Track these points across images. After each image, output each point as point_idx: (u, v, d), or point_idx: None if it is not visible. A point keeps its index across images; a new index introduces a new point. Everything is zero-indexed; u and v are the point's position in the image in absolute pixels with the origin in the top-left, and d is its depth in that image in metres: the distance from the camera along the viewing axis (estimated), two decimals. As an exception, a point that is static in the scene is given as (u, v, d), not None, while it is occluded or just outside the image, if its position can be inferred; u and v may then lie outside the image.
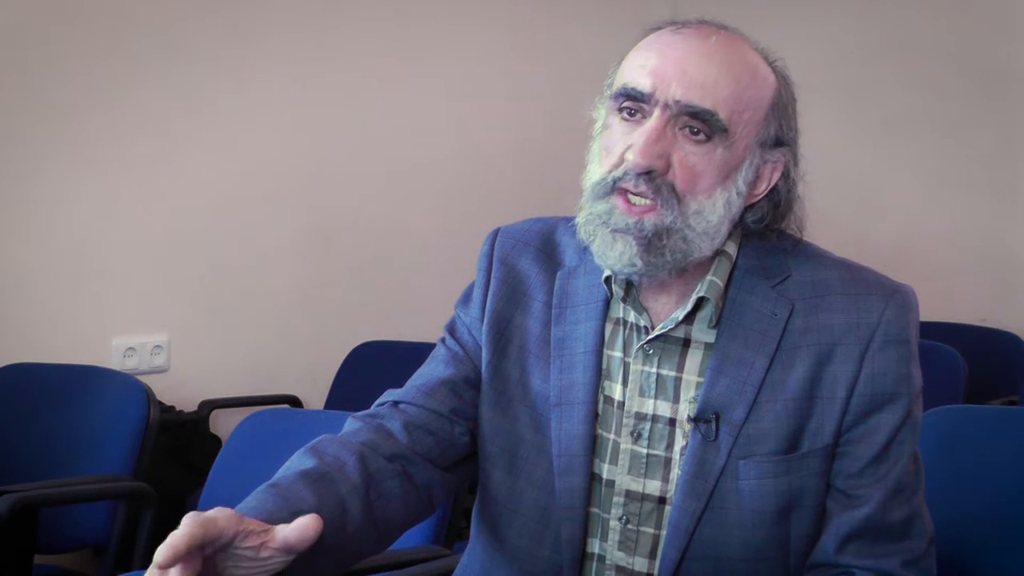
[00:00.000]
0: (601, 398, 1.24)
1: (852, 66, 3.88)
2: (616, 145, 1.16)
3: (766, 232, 1.24)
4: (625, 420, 1.22)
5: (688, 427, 1.19)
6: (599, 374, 1.24)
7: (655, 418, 1.22)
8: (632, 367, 1.23)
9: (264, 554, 0.97)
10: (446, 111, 3.64)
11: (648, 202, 1.14)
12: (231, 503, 1.08)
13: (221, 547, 0.96)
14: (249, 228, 3.24)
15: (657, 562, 1.20)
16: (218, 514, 0.95)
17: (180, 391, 3.07)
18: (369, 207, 3.49)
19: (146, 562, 1.04)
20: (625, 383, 1.23)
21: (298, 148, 3.33)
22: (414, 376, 1.31)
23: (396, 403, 1.27)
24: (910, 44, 3.77)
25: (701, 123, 1.13)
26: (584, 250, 1.25)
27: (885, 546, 1.18)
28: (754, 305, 1.20)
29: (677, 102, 1.12)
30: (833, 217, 3.18)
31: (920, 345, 1.22)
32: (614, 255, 1.16)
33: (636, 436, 1.22)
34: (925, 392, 1.22)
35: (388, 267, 3.53)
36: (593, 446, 1.23)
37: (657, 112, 1.13)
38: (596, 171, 1.18)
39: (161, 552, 0.91)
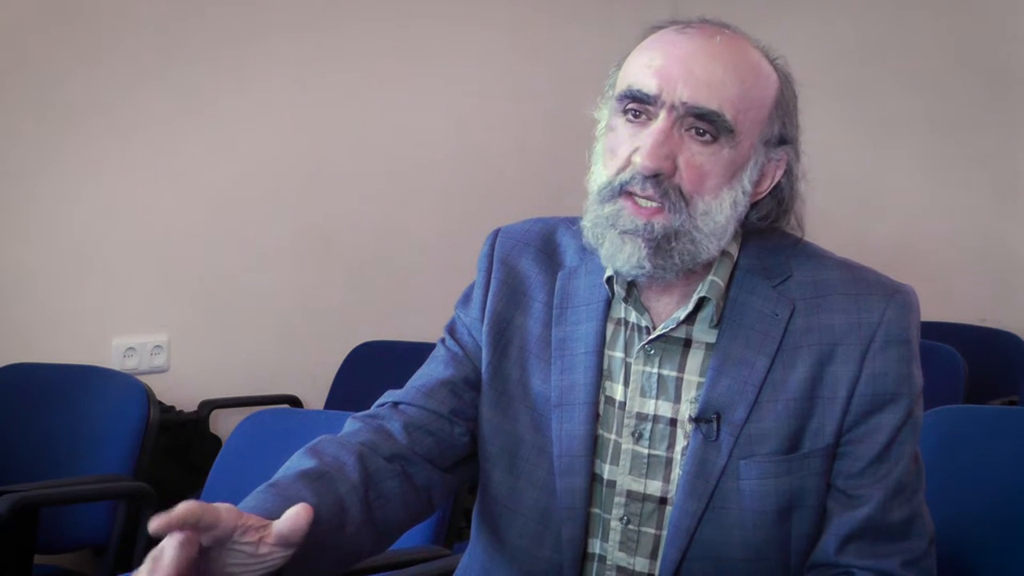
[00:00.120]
0: (602, 399, 1.24)
1: (852, 66, 3.88)
2: (621, 147, 1.16)
3: (767, 231, 1.24)
4: (626, 420, 1.22)
5: (689, 427, 1.19)
6: (600, 374, 1.24)
7: (656, 418, 1.22)
8: (633, 367, 1.23)
9: (263, 550, 0.97)
10: (446, 111, 3.64)
11: (655, 204, 1.13)
12: (231, 503, 1.08)
13: (220, 540, 0.96)
14: (249, 228, 3.24)
15: (658, 562, 1.20)
16: (219, 504, 0.95)
17: (180, 391, 3.07)
18: (369, 207, 3.49)
19: (146, 562, 1.04)
20: (626, 383, 1.23)
21: (298, 148, 3.33)
22: (414, 377, 1.31)
23: (396, 404, 1.27)
24: (910, 44, 3.77)
25: (708, 124, 1.13)
26: (585, 250, 1.25)
27: (885, 546, 1.18)
28: (755, 305, 1.20)
29: (684, 103, 1.12)
30: (833, 217, 3.18)
31: (920, 345, 1.22)
32: (623, 257, 1.15)
33: (637, 436, 1.22)
34: (925, 392, 1.22)
35: (388, 267, 3.53)
36: (594, 447, 1.23)
37: (663, 114, 1.13)
38: (601, 173, 1.17)
39: (155, 520, 0.90)
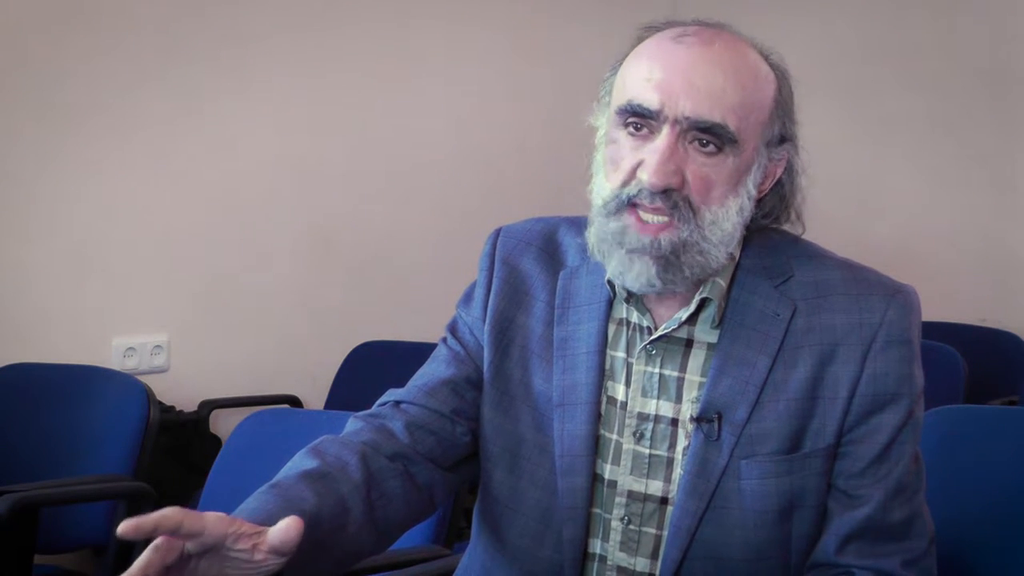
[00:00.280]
0: (604, 398, 1.24)
1: (852, 65, 3.88)
2: (624, 160, 1.15)
3: (768, 231, 1.24)
4: (627, 420, 1.22)
5: (690, 427, 1.19)
6: (602, 374, 1.24)
7: (657, 418, 1.22)
8: (635, 367, 1.23)
9: (258, 556, 0.97)
10: (446, 111, 3.64)
11: (664, 219, 1.13)
12: (231, 503, 1.08)
13: (211, 547, 0.96)
14: (249, 228, 3.24)
15: (659, 562, 1.20)
16: (208, 513, 0.95)
17: (180, 391, 3.07)
18: (369, 207, 3.49)
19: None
20: (628, 383, 1.23)
21: (298, 148, 3.33)
22: (415, 376, 1.31)
23: (398, 403, 1.27)
24: (910, 44, 3.77)
25: (711, 136, 1.12)
26: (586, 250, 1.25)
27: (885, 546, 1.18)
28: (757, 305, 1.20)
29: (687, 118, 1.11)
30: (833, 217, 3.17)
31: (920, 345, 1.22)
32: (632, 276, 1.15)
33: (638, 436, 1.22)
34: (925, 392, 1.22)
35: (388, 267, 3.53)
36: (595, 446, 1.23)
37: (666, 129, 1.12)
38: (605, 186, 1.17)
39: (126, 523, 0.89)
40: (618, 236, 1.15)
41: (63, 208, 2.91)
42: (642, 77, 1.14)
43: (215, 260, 3.17)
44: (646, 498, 1.21)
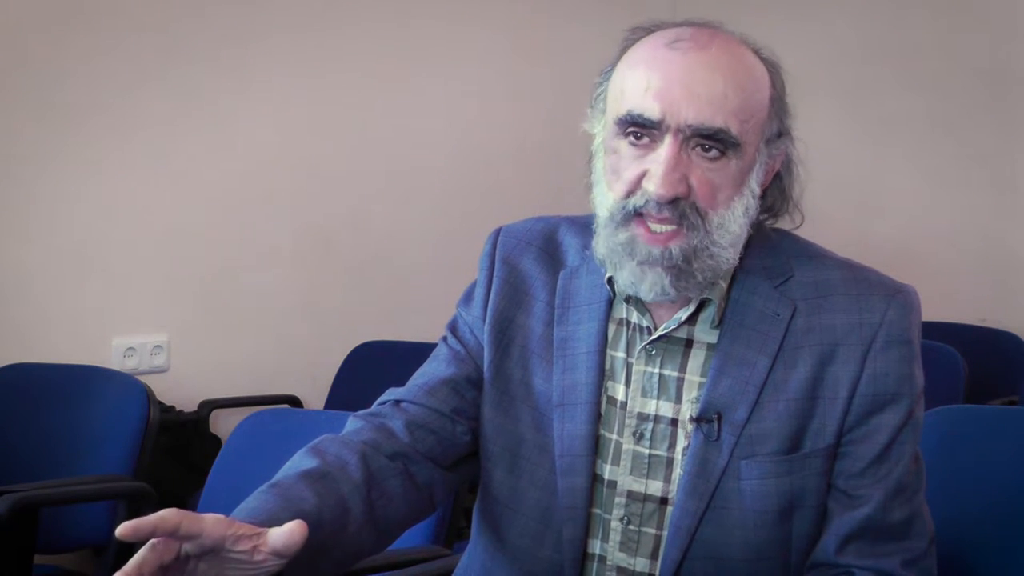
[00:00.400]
0: (604, 399, 1.24)
1: (852, 66, 3.88)
2: (627, 170, 1.14)
3: (767, 231, 1.24)
4: (627, 420, 1.22)
5: (690, 427, 1.19)
6: (602, 374, 1.24)
7: (657, 418, 1.22)
8: (635, 367, 1.23)
9: (258, 557, 0.97)
10: (446, 111, 3.64)
11: (672, 227, 1.13)
12: (231, 503, 1.08)
13: (209, 549, 0.95)
14: (249, 228, 3.24)
15: (658, 563, 1.20)
16: (207, 515, 0.95)
17: (180, 391, 3.07)
18: (369, 207, 3.49)
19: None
20: (628, 383, 1.23)
21: (298, 148, 3.33)
22: (416, 375, 1.31)
23: (398, 402, 1.27)
24: (910, 44, 3.77)
25: (715, 141, 1.11)
26: (586, 250, 1.24)
27: (885, 546, 1.18)
28: (756, 305, 1.20)
29: (690, 126, 1.11)
30: (833, 217, 3.18)
31: (921, 345, 1.22)
32: (646, 287, 1.15)
33: (638, 436, 1.22)
34: (925, 392, 1.22)
35: (388, 267, 3.53)
36: (595, 447, 1.23)
37: (669, 138, 1.11)
38: (608, 196, 1.16)
39: (124, 526, 0.89)
40: (628, 248, 1.14)
41: (63, 208, 2.91)
42: (640, 87, 1.13)
43: (215, 260, 3.17)
44: (646, 498, 1.21)
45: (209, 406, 3.09)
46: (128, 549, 2.29)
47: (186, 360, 3.13)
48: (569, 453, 1.23)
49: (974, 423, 1.63)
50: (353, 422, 1.25)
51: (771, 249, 1.24)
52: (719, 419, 1.18)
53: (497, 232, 1.34)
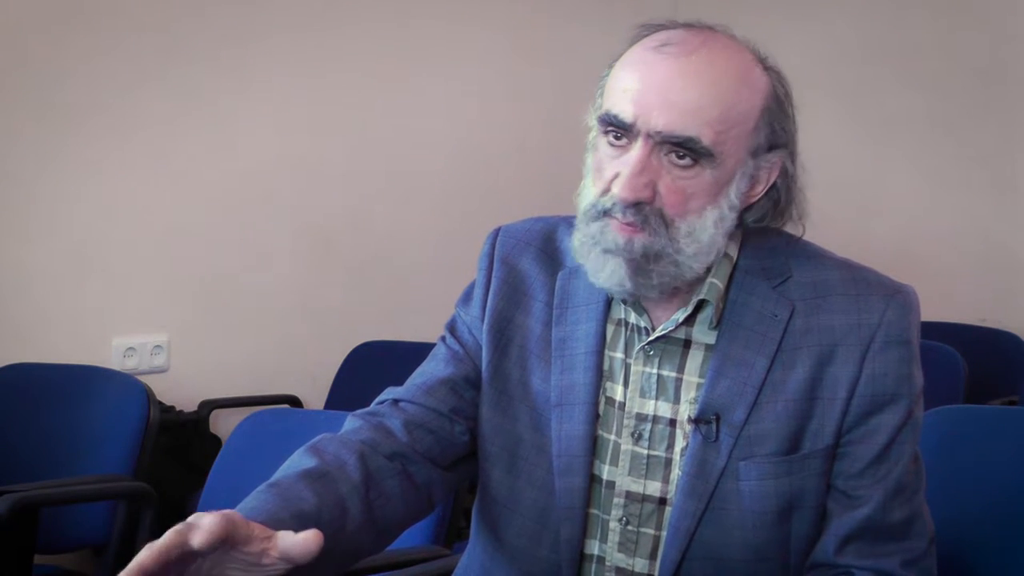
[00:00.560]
0: (603, 399, 1.24)
1: (852, 66, 3.88)
2: (605, 169, 1.15)
3: (767, 231, 1.24)
4: (626, 421, 1.22)
5: (688, 428, 1.19)
6: (600, 375, 1.24)
7: (656, 419, 1.22)
8: (633, 368, 1.23)
9: (266, 561, 0.97)
10: (446, 111, 3.64)
11: (639, 226, 1.13)
12: (231, 503, 1.07)
13: (218, 548, 0.95)
14: (249, 228, 3.24)
15: (657, 563, 1.20)
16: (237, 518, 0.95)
17: (180, 391, 3.07)
18: (369, 207, 3.49)
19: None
20: (626, 384, 1.23)
21: (298, 148, 3.33)
22: (414, 374, 1.31)
23: (396, 401, 1.27)
24: (910, 44, 3.77)
25: (686, 149, 1.11)
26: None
27: (885, 546, 1.18)
28: (754, 306, 1.20)
29: (659, 132, 1.11)
30: (833, 217, 3.17)
31: (920, 345, 1.22)
32: (604, 275, 1.16)
33: (637, 437, 1.22)
34: (925, 392, 1.22)
35: (388, 267, 3.53)
36: (593, 447, 1.23)
37: (640, 142, 1.12)
38: (589, 192, 1.18)
39: (197, 536, 0.89)
40: (596, 236, 1.15)
41: (63, 208, 2.91)
42: (621, 87, 1.14)
43: (215, 260, 3.17)
44: (644, 499, 1.21)
45: (209, 406, 3.09)
46: (129, 549, 2.30)
47: (186, 360, 3.13)
48: (567, 453, 1.23)
49: (974, 423, 1.63)
50: (351, 421, 1.25)
51: (770, 250, 1.24)
52: (717, 420, 1.18)
53: (496, 232, 1.34)
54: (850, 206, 3.78)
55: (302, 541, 0.95)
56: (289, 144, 3.30)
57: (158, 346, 3.08)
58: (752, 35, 1.21)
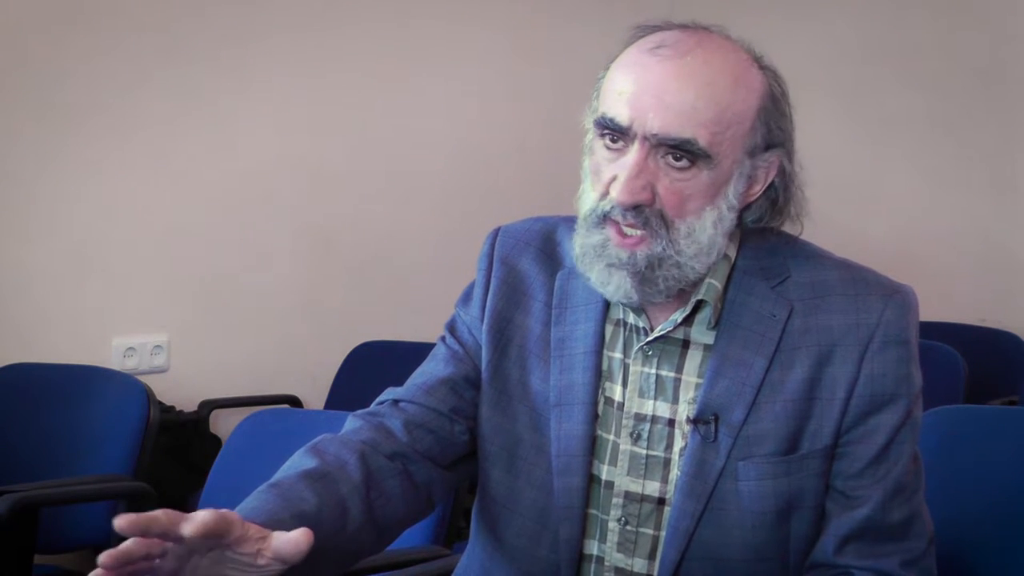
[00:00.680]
0: (602, 399, 1.24)
1: (852, 65, 3.88)
2: (603, 172, 1.16)
3: (765, 231, 1.24)
4: (624, 421, 1.22)
5: (687, 428, 1.19)
6: (599, 375, 1.24)
7: (654, 419, 1.22)
8: (631, 368, 1.23)
9: (261, 561, 0.97)
10: (446, 111, 3.64)
11: (639, 232, 1.14)
12: (231, 503, 1.08)
13: (213, 547, 0.96)
14: (249, 228, 3.24)
15: (656, 563, 1.20)
16: (228, 513, 0.95)
17: (180, 391, 3.07)
18: (369, 207, 3.49)
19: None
20: (625, 384, 1.23)
21: (298, 148, 3.33)
22: (414, 374, 1.31)
23: (396, 401, 1.27)
24: (910, 44, 3.77)
25: (682, 151, 1.11)
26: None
27: (884, 546, 1.18)
28: (753, 306, 1.20)
29: (655, 135, 1.11)
30: (832, 217, 3.17)
31: (920, 345, 1.22)
32: (611, 288, 1.16)
33: (635, 437, 1.22)
34: (925, 392, 1.22)
35: (388, 267, 3.53)
36: (592, 447, 1.23)
37: (636, 145, 1.12)
38: (588, 196, 1.18)
39: (188, 526, 0.90)
40: (599, 249, 1.16)
41: (63, 208, 2.91)
42: (616, 90, 1.14)
43: (215, 260, 3.17)
44: (643, 499, 1.21)
45: (209, 406, 3.09)
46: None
47: (186, 360, 3.13)
48: (566, 453, 1.23)
49: (974, 423, 1.63)
50: (352, 422, 1.25)
51: (768, 250, 1.24)
52: (716, 420, 1.18)
53: (495, 232, 1.34)
54: (849, 206, 3.78)
55: (293, 540, 0.96)
56: (289, 144, 3.30)
57: (158, 346, 3.08)
58: (751, 35, 1.21)
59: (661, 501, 1.21)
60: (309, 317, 3.36)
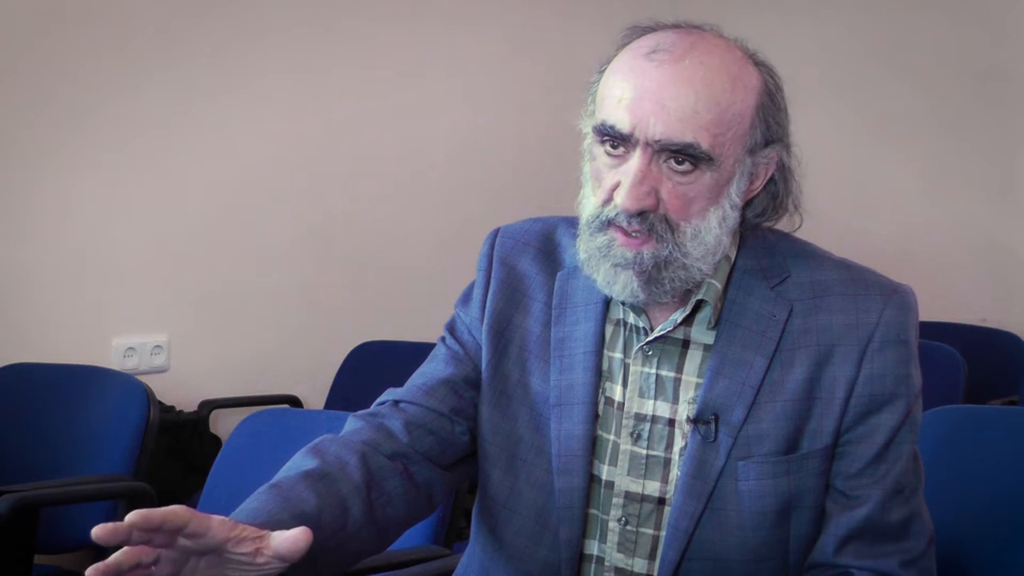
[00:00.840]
0: (602, 399, 1.24)
1: (851, 65, 3.88)
2: (605, 178, 1.15)
3: (765, 231, 1.24)
4: (625, 421, 1.22)
5: (687, 428, 1.19)
6: (599, 375, 1.24)
7: (654, 419, 1.22)
8: (631, 368, 1.23)
9: (260, 560, 0.97)
10: (447, 111, 3.65)
11: (645, 236, 1.14)
12: (231, 503, 1.08)
13: (210, 549, 0.96)
14: (250, 228, 3.24)
15: (656, 563, 1.20)
16: (214, 516, 0.95)
17: (180, 391, 3.07)
18: (369, 207, 3.49)
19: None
20: (625, 384, 1.23)
21: (299, 148, 3.33)
22: (414, 375, 1.31)
23: (397, 402, 1.27)
24: (910, 43, 3.77)
25: (685, 155, 1.11)
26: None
27: (884, 546, 1.18)
28: (753, 306, 1.20)
29: (657, 141, 1.11)
30: (832, 217, 3.18)
31: (920, 345, 1.22)
32: (618, 288, 1.16)
33: (636, 437, 1.22)
34: (925, 392, 1.22)
35: (388, 267, 3.53)
36: (593, 447, 1.23)
37: (638, 151, 1.12)
38: (590, 201, 1.18)
39: (135, 513, 0.89)
40: (604, 250, 1.16)
41: (63, 208, 2.91)
42: (615, 97, 1.14)
43: (215, 260, 3.17)
44: (643, 499, 1.21)
45: (209, 406, 3.09)
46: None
47: (186, 360, 3.13)
48: (566, 453, 1.23)
49: (974, 423, 1.63)
50: (352, 422, 1.26)
51: (768, 250, 1.24)
52: (716, 420, 1.18)
53: (495, 233, 1.34)
54: (849, 205, 3.78)
55: (292, 539, 0.96)
56: (289, 144, 3.30)
57: (158, 346, 3.08)
58: (752, 34, 1.21)
59: (661, 501, 1.21)
60: (309, 317, 3.36)
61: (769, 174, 1.20)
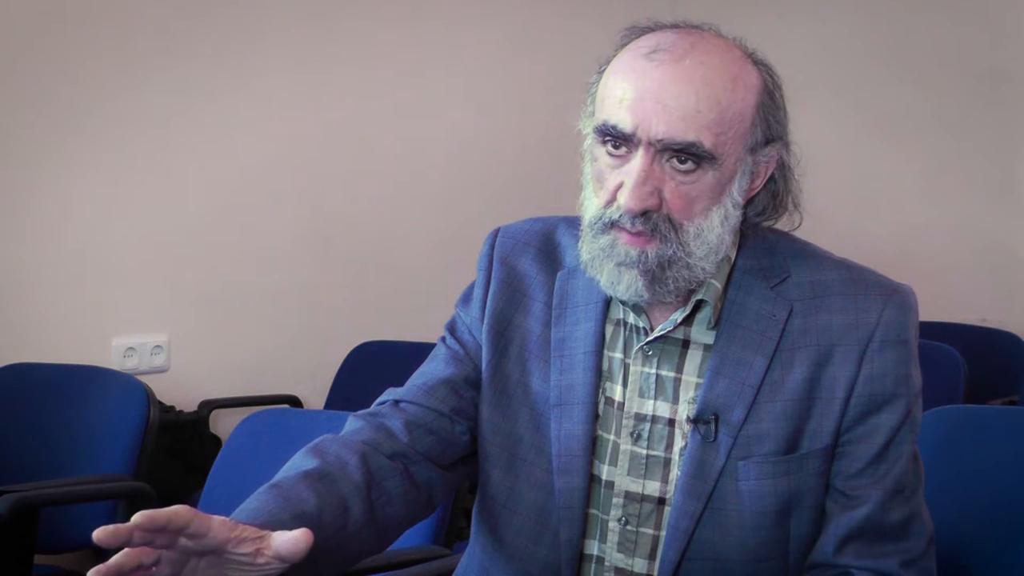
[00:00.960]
0: (602, 399, 1.24)
1: (852, 65, 3.88)
2: (607, 179, 1.15)
3: (765, 231, 1.24)
4: (625, 421, 1.22)
5: (687, 428, 1.19)
6: (599, 375, 1.24)
7: (654, 419, 1.22)
8: (632, 368, 1.23)
9: (260, 560, 0.97)
10: (447, 111, 3.65)
11: (648, 236, 1.14)
12: (231, 503, 1.08)
13: (211, 550, 0.96)
14: (250, 228, 3.24)
15: (656, 563, 1.20)
16: (215, 516, 0.96)
17: (180, 391, 3.08)
18: (369, 207, 3.49)
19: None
20: (625, 384, 1.23)
21: (299, 148, 3.33)
22: (415, 375, 1.32)
23: (397, 402, 1.27)
24: (910, 43, 3.77)
25: (688, 154, 1.11)
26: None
27: (884, 546, 1.18)
28: (753, 306, 1.20)
29: (660, 140, 1.11)
30: (832, 217, 3.18)
31: (920, 345, 1.22)
32: (622, 288, 1.16)
33: (636, 437, 1.22)
34: (925, 392, 1.22)
35: (388, 267, 3.53)
36: (593, 447, 1.23)
37: (641, 151, 1.12)
38: (592, 202, 1.18)
39: (140, 515, 0.90)
40: (608, 250, 1.16)
41: (63, 208, 2.91)
42: (616, 97, 1.14)
43: (215, 260, 3.17)
44: (643, 499, 1.21)
45: (209, 406, 3.09)
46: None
47: (186, 360, 3.13)
48: (566, 453, 1.23)
49: (974, 423, 1.63)
50: (352, 422, 1.26)
51: (768, 249, 1.24)
52: (716, 420, 1.18)
53: (495, 233, 1.34)
54: (849, 205, 3.78)
55: (292, 539, 0.96)
56: (289, 144, 3.30)
57: (158, 346, 3.08)
58: (752, 33, 1.21)
59: (661, 501, 1.21)
60: (309, 317, 3.36)
61: (769, 172, 1.20)
